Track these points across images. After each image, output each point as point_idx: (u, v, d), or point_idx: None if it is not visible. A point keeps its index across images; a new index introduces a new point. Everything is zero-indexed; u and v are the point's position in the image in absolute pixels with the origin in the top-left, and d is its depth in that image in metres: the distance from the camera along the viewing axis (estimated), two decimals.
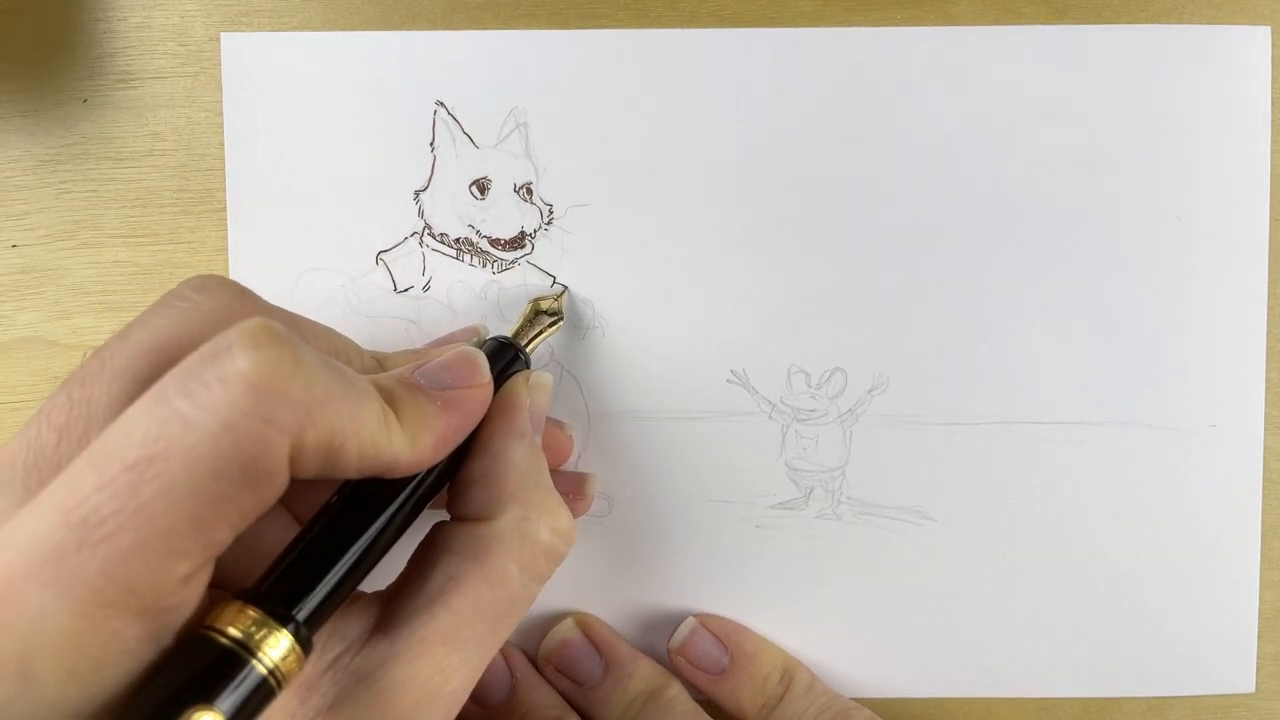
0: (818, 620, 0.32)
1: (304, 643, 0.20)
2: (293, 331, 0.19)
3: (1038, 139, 0.31)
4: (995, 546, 0.32)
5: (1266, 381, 0.32)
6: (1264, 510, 0.32)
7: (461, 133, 0.31)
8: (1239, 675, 0.33)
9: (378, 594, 0.24)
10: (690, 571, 0.32)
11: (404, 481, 0.23)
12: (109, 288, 0.31)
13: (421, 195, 0.31)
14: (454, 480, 0.24)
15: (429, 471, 0.23)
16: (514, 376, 0.26)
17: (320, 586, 0.21)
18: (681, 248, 0.31)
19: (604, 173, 0.31)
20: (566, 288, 0.31)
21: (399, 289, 0.31)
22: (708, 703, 0.31)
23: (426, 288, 0.31)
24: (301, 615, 0.20)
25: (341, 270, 0.31)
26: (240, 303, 0.22)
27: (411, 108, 0.30)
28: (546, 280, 0.31)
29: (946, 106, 0.31)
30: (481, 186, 0.31)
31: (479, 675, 0.23)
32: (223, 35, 0.30)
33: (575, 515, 0.29)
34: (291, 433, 0.18)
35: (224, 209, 0.31)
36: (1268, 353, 0.32)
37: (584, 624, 0.31)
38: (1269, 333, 0.32)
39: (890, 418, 0.32)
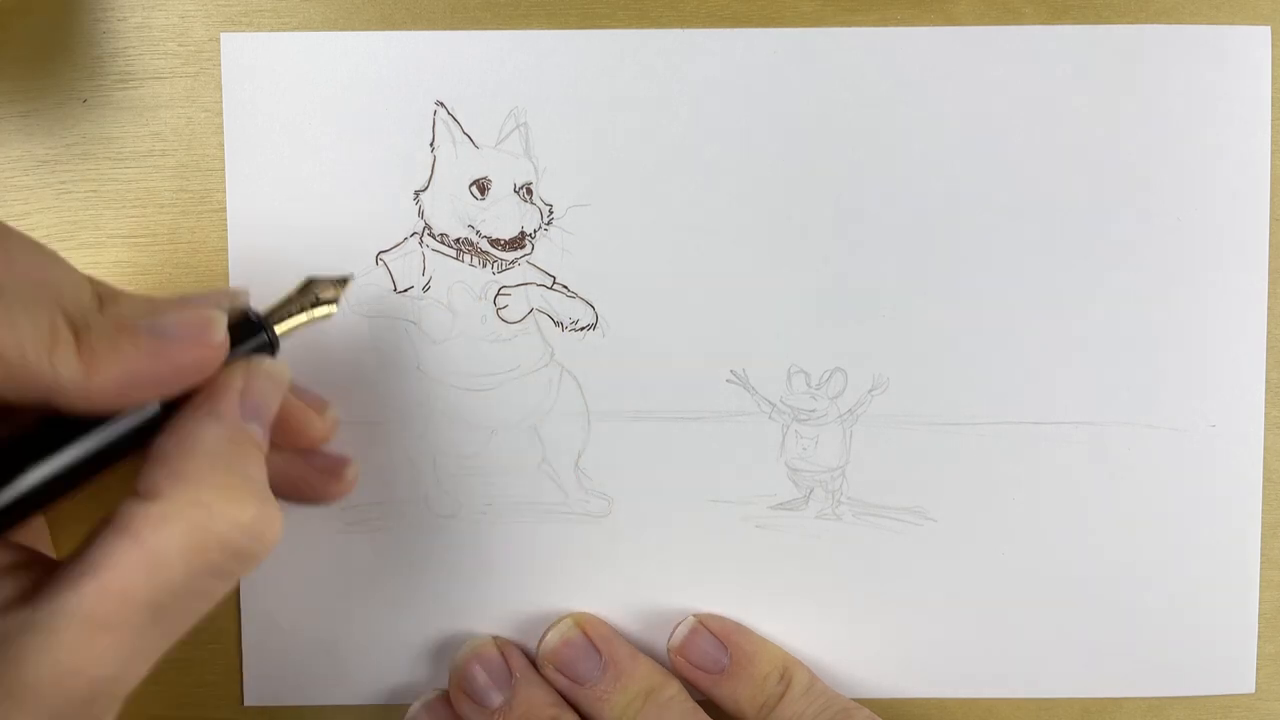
0: (818, 620, 0.32)
1: None
2: None
3: (1038, 139, 0.31)
4: (995, 546, 0.32)
5: (1266, 381, 0.32)
6: (1264, 510, 0.32)
7: (461, 133, 0.31)
8: (1239, 675, 0.33)
9: (47, 561, 0.22)
10: (690, 571, 0.32)
11: (78, 432, 0.21)
12: None
13: (421, 195, 0.31)
14: (145, 455, 0.23)
15: (117, 427, 0.22)
16: (237, 360, 0.24)
17: None
18: (681, 248, 0.31)
19: (604, 173, 0.31)
20: (351, 277, 0.28)
21: (399, 289, 0.31)
22: (707, 702, 0.31)
23: (426, 288, 0.31)
24: None
25: (341, 270, 0.31)
26: None
27: (411, 108, 0.30)
28: (546, 280, 0.31)
29: (946, 106, 0.31)
30: (481, 186, 0.31)
31: (144, 664, 0.21)
32: (223, 35, 0.30)
33: (333, 498, 0.28)
34: None
35: (224, 209, 0.31)
36: (1268, 353, 0.32)
37: (583, 623, 0.31)
38: (1269, 333, 0.32)
39: (890, 418, 0.32)
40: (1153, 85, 0.31)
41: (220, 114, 0.31)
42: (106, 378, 0.21)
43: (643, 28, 0.31)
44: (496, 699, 0.30)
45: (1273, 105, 0.31)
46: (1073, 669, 0.32)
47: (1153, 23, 0.31)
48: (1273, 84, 0.31)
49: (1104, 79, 0.31)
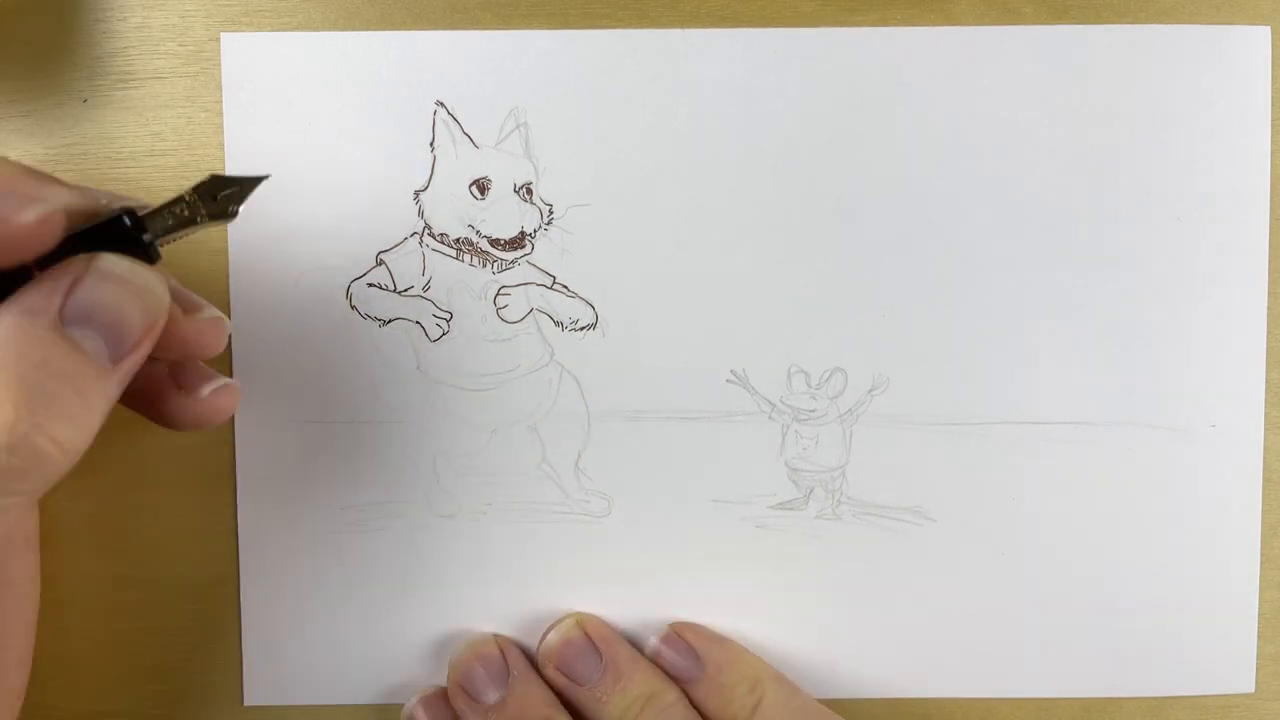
0: (818, 620, 0.32)
1: None
2: None
3: (1038, 139, 0.31)
4: (995, 546, 0.32)
5: (1266, 381, 0.32)
6: (1264, 510, 0.32)
7: (461, 133, 0.31)
8: (1239, 675, 0.33)
9: None
10: (690, 571, 0.32)
11: None
12: None
13: (421, 195, 0.31)
14: None
15: None
16: (77, 256, 0.21)
17: None
18: (681, 248, 0.31)
19: (604, 173, 0.31)
20: (266, 177, 0.24)
21: (399, 289, 0.31)
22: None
23: (426, 288, 0.31)
24: None
25: (341, 270, 0.31)
26: None
27: (411, 108, 0.30)
28: (546, 280, 0.31)
29: (946, 106, 0.31)
30: (481, 186, 0.31)
31: None
32: (223, 35, 0.30)
33: (189, 420, 0.25)
34: None
35: None
36: (1268, 353, 0.32)
37: (585, 623, 0.31)
38: (1269, 333, 0.32)
39: (890, 418, 0.32)
40: (1153, 85, 0.31)
41: (220, 114, 0.31)
42: None
43: (643, 28, 0.31)
44: (492, 696, 0.30)
45: (1273, 105, 0.31)
46: (1073, 669, 0.32)
47: (1153, 23, 0.31)
48: (1273, 84, 0.31)
49: (1104, 79, 0.31)
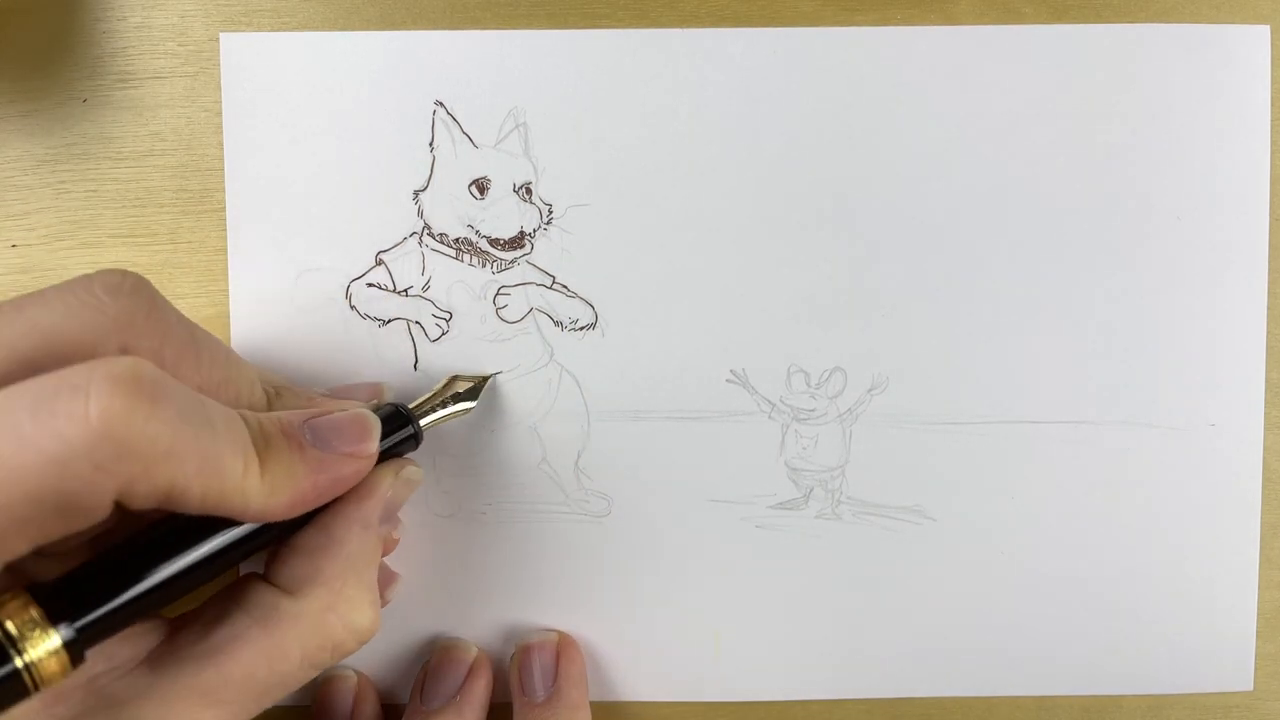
0: (818, 620, 0.32)
1: (74, 651, 0.19)
2: (167, 373, 0.19)
3: (1038, 139, 0.31)
4: (994, 546, 0.32)
5: (1266, 381, 0.32)
6: (1264, 510, 0.32)
7: (461, 132, 0.31)
8: (1238, 674, 0.33)
9: (161, 621, 0.23)
10: (690, 571, 0.32)
11: (238, 523, 0.22)
12: None
13: (421, 195, 0.31)
14: (284, 543, 0.24)
15: (267, 530, 0.23)
16: (384, 464, 0.25)
17: (110, 602, 0.20)
18: (681, 248, 0.31)
19: (603, 172, 0.31)
20: (496, 375, 0.31)
21: (399, 289, 0.31)
22: None
23: (426, 288, 0.31)
24: (81, 623, 0.19)
25: (341, 270, 0.31)
26: (146, 318, 0.22)
27: (411, 108, 0.30)
28: (546, 280, 0.31)
29: (946, 106, 0.31)
30: (481, 186, 0.31)
31: None
32: (222, 35, 0.30)
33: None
34: (122, 480, 0.18)
35: (224, 209, 0.31)
36: (1268, 352, 0.32)
37: (563, 647, 0.31)
38: (1269, 332, 0.32)
39: (890, 418, 0.32)
40: (1153, 85, 0.31)
41: (220, 114, 0.31)
42: (283, 499, 0.21)
43: (643, 28, 0.31)
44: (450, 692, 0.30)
45: (1273, 105, 0.31)
46: (1073, 668, 0.32)
47: (1153, 22, 0.31)
48: (1273, 84, 0.31)
49: (1104, 79, 0.31)
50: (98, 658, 0.22)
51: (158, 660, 0.22)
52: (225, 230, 0.31)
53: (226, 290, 0.31)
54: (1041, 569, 0.32)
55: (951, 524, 0.32)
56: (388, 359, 0.31)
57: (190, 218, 0.31)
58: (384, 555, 0.28)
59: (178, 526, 0.22)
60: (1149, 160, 0.31)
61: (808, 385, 0.31)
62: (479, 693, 0.31)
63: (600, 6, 0.31)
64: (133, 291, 0.22)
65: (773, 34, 0.31)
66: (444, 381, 0.30)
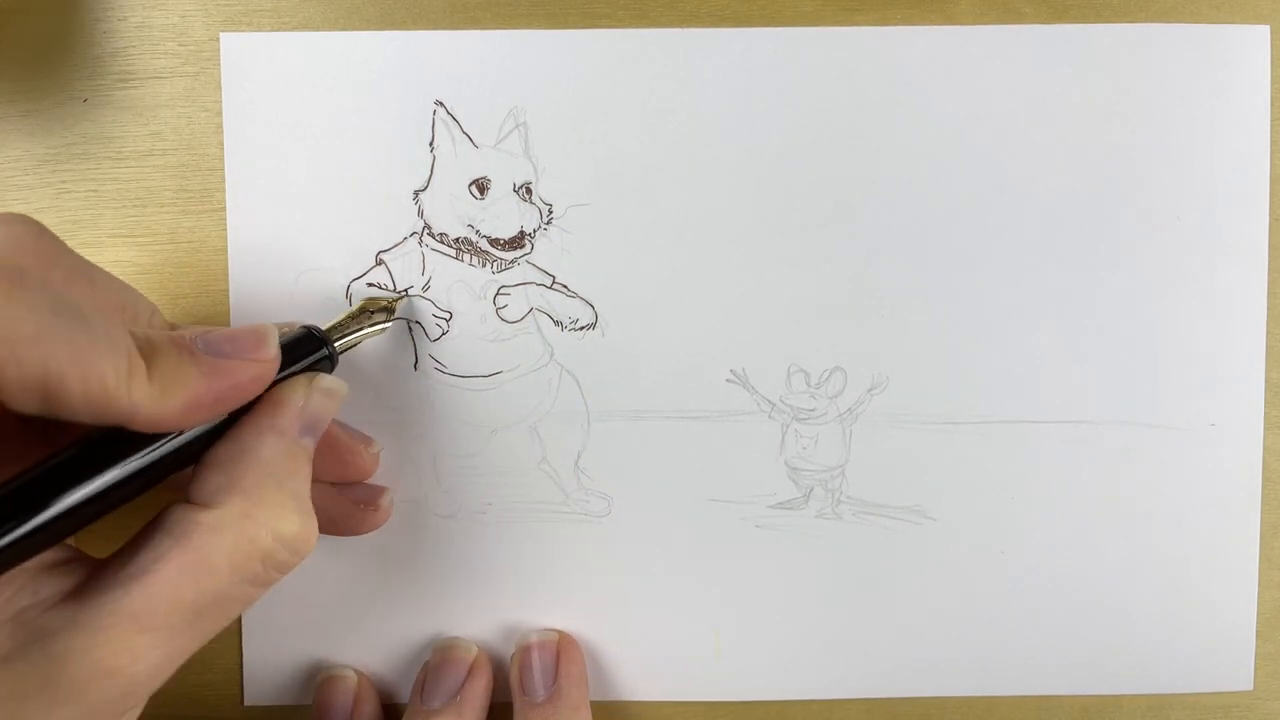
0: (818, 620, 0.32)
1: None
2: (46, 275, 0.20)
3: (1038, 139, 0.31)
4: (994, 545, 0.32)
5: (1266, 381, 0.32)
6: (1263, 510, 0.32)
7: (461, 132, 0.31)
8: (1238, 674, 0.33)
9: (90, 560, 0.23)
10: (690, 571, 0.32)
11: (142, 443, 0.22)
12: None
13: (421, 195, 0.31)
14: (199, 461, 0.24)
15: (176, 441, 0.22)
16: (298, 376, 0.25)
17: (11, 530, 0.20)
18: (681, 248, 0.31)
19: (603, 172, 0.31)
20: (407, 293, 0.31)
21: (399, 289, 0.31)
22: None
23: (426, 288, 0.31)
24: None
25: (341, 270, 0.31)
26: (35, 242, 0.23)
27: (411, 108, 0.30)
28: (546, 279, 0.31)
29: (946, 106, 0.31)
30: (481, 186, 0.31)
31: (175, 664, 0.22)
32: (222, 35, 0.30)
33: (368, 528, 0.30)
34: None
35: (224, 209, 0.31)
36: (1267, 352, 0.32)
37: (563, 646, 0.31)
38: (1269, 332, 0.32)
39: (890, 417, 0.32)
40: (1153, 85, 0.31)
41: (220, 114, 0.31)
42: (175, 401, 0.21)
43: (643, 28, 0.31)
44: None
45: (1272, 105, 0.31)
46: (1073, 668, 0.32)
47: (1153, 22, 0.31)
48: (1273, 84, 0.31)
49: (1104, 79, 0.31)
50: (22, 593, 0.21)
51: (84, 591, 0.21)
52: (225, 230, 0.31)
53: (226, 290, 0.31)
54: (1041, 568, 0.32)
55: (951, 524, 0.32)
56: (388, 359, 0.31)
57: (190, 218, 0.31)
58: (364, 476, 0.30)
59: (86, 451, 0.22)
60: (1149, 160, 0.31)
61: (808, 385, 0.31)
62: (479, 692, 0.31)
63: (600, 6, 0.31)
64: (23, 222, 0.23)
65: (773, 34, 0.31)
66: (359, 304, 0.30)
